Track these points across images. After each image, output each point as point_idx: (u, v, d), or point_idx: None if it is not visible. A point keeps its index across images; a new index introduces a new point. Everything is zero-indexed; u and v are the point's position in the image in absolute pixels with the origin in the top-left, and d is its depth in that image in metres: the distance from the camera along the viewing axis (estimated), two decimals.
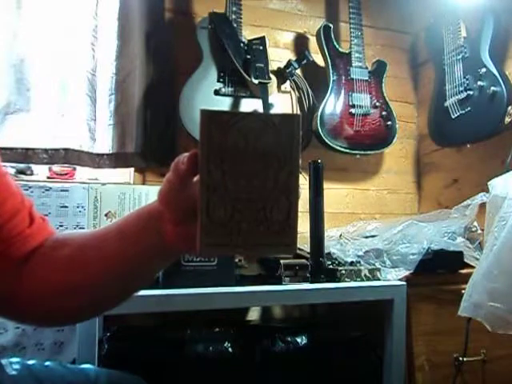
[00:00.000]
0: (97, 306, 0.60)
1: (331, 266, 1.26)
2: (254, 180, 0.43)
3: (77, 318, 0.65)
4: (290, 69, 1.75)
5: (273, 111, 1.62)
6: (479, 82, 1.58)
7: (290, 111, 1.76)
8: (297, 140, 0.44)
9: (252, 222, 0.44)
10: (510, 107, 1.49)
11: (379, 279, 1.25)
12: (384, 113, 1.84)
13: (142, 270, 0.56)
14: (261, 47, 1.67)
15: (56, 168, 1.53)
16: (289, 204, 0.44)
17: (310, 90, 1.84)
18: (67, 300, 0.56)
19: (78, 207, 1.42)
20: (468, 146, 1.68)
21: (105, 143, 1.58)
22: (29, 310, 0.57)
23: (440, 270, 1.31)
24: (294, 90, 1.82)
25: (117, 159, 1.58)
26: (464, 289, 1.10)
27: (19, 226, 0.57)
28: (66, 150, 1.49)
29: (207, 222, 0.43)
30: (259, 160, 0.43)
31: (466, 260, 1.31)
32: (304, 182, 1.61)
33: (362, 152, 1.82)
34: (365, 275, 1.24)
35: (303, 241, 1.31)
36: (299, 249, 1.42)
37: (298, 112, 1.79)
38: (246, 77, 1.60)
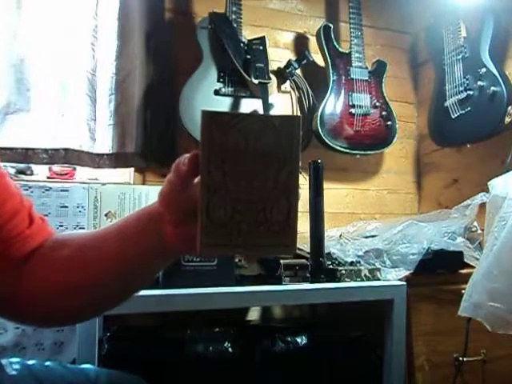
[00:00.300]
0: (97, 306, 0.60)
1: (331, 266, 1.26)
2: (254, 181, 0.43)
3: (77, 318, 0.65)
4: (290, 69, 1.75)
5: (273, 111, 1.62)
6: (479, 82, 1.58)
7: (290, 111, 1.76)
8: (297, 141, 0.44)
9: (252, 223, 0.44)
10: (510, 107, 1.49)
11: (379, 279, 1.25)
12: (384, 113, 1.84)
13: (141, 271, 0.56)
14: (261, 47, 1.67)
15: (56, 168, 1.53)
16: (289, 204, 0.44)
17: (309, 89, 1.84)
18: (67, 300, 0.56)
19: (77, 207, 1.42)
20: (468, 146, 1.68)
21: (105, 143, 1.58)
22: (29, 310, 0.57)
23: (440, 270, 1.31)
24: (293, 89, 1.82)
25: (117, 159, 1.58)
26: (464, 289, 1.10)
27: (19, 227, 0.57)
28: (66, 150, 1.49)
29: (207, 223, 0.43)
30: (259, 161, 0.43)
31: (466, 260, 1.31)
32: (304, 181, 1.60)
33: (362, 152, 1.82)
34: (365, 275, 1.24)
35: (303, 241, 1.31)
36: (299, 249, 1.42)
37: (298, 113, 1.79)
38: (246, 77, 1.60)
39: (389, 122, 1.84)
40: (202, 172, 0.43)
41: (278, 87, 1.74)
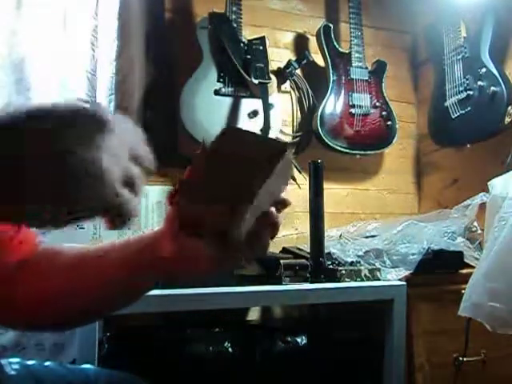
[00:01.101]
0: (96, 312, 0.60)
1: (331, 266, 1.26)
2: (230, 179, 0.48)
3: (76, 322, 0.65)
4: (290, 69, 1.75)
5: (273, 111, 1.62)
6: (479, 82, 1.58)
7: (290, 111, 1.79)
8: (276, 160, 0.49)
9: (220, 212, 0.47)
10: (510, 107, 1.49)
11: (379, 279, 1.25)
12: (384, 113, 1.84)
13: (143, 280, 0.56)
14: (261, 47, 1.67)
15: None
16: (245, 207, 0.48)
17: (309, 89, 1.84)
18: (66, 304, 0.56)
19: None
20: (468, 146, 1.67)
21: None
22: (24, 316, 0.57)
23: (440, 270, 1.31)
24: (293, 89, 1.82)
25: None
26: (464, 289, 1.10)
27: (9, 232, 0.57)
28: None
29: (184, 205, 0.48)
30: (240, 167, 0.48)
31: (466, 260, 1.31)
32: (304, 181, 1.61)
33: (362, 152, 1.82)
34: (365, 275, 1.24)
35: (303, 241, 1.31)
36: (299, 249, 1.42)
37: (298, 113, 1.80)
38: (246, 77, 1.60)
39: (389, 122, 1.83)
40: (194, 164, 0.49)
41: (278, 87, 1.74)
